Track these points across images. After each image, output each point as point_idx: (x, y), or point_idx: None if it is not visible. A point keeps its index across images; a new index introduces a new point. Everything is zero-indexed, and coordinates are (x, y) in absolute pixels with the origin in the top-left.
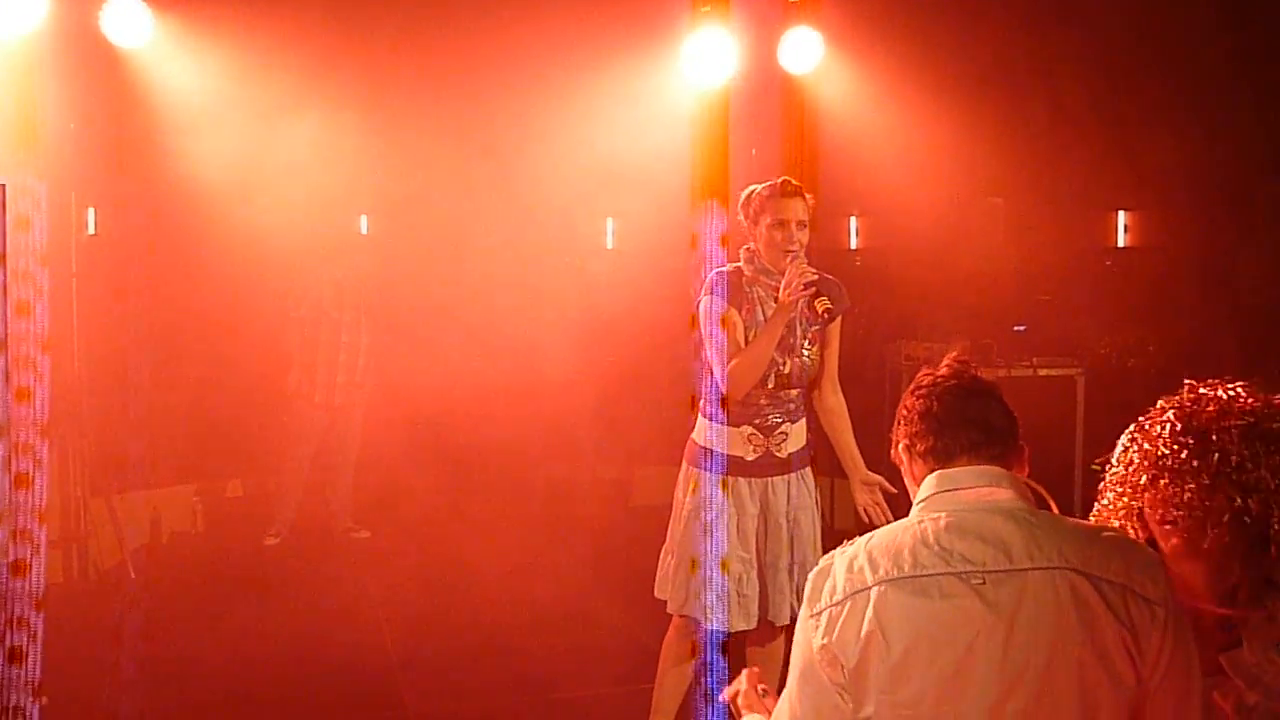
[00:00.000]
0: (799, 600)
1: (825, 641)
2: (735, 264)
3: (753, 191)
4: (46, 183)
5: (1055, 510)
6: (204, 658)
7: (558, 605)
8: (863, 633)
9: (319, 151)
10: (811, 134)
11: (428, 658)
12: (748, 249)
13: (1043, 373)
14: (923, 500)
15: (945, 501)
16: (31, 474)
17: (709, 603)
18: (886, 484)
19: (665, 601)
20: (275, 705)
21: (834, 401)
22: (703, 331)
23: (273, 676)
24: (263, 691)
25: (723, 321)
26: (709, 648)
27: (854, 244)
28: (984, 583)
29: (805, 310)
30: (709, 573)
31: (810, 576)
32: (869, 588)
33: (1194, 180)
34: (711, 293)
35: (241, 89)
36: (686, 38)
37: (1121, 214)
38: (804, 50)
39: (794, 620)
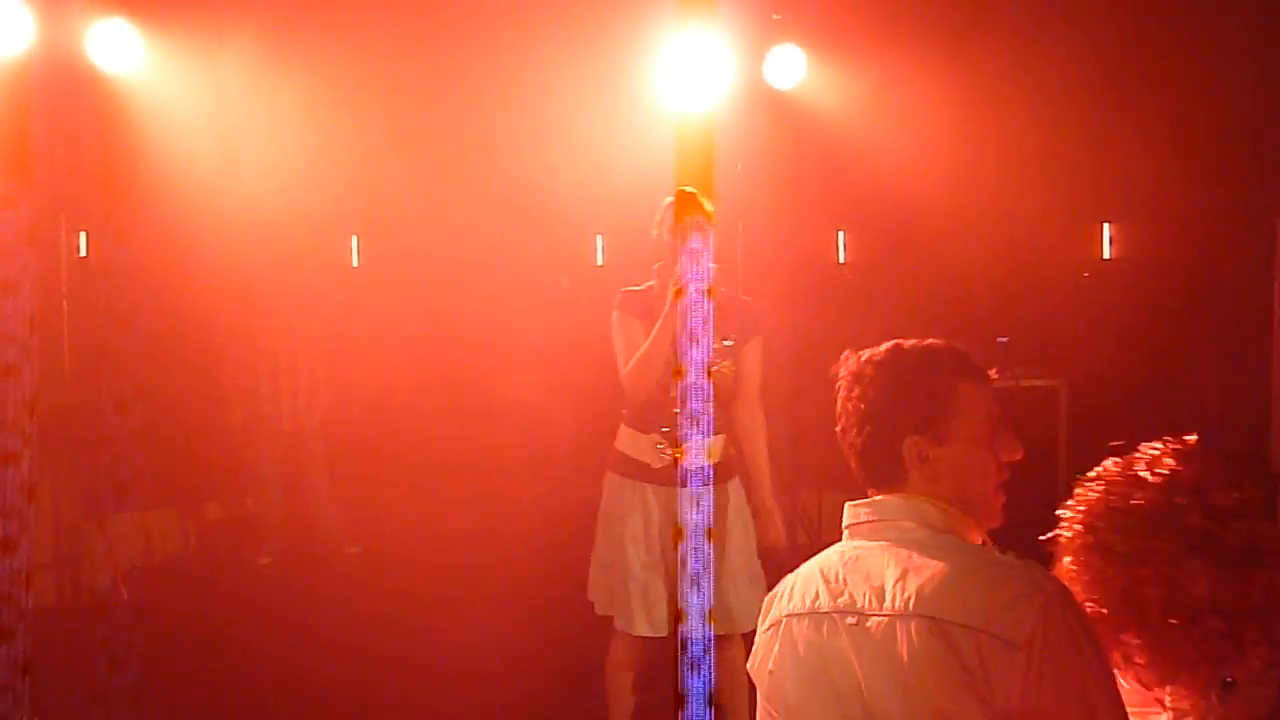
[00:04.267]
0: (717, 614)
1: (750, 665)
2: (648, 283)
3: (663, 203)
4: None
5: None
6: (202, 678)
7: (555, 615)
8: (770, 665)
9: (309, 171)
10: (797, 150)
11: (430, 671)
12: (658, 265)
13: (1025, 384)
14: (844, 527)
15: (854, 532)
16: (20, 451)
17: (618, 605)
18: (777, 522)
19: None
20: None
21: (746, 418)
22: (613, 344)
23: (274, 697)
24: (264, 712)
25: (623, 330)
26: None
27: (842, 258)
28: (856, 624)
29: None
30: (616, 574)
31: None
32: (781, 619)
33: (1180, 193)
34: (617, 308)
35: (231, 109)
36: (669, 56)
37: (1107, 226)
38: (788, 66)
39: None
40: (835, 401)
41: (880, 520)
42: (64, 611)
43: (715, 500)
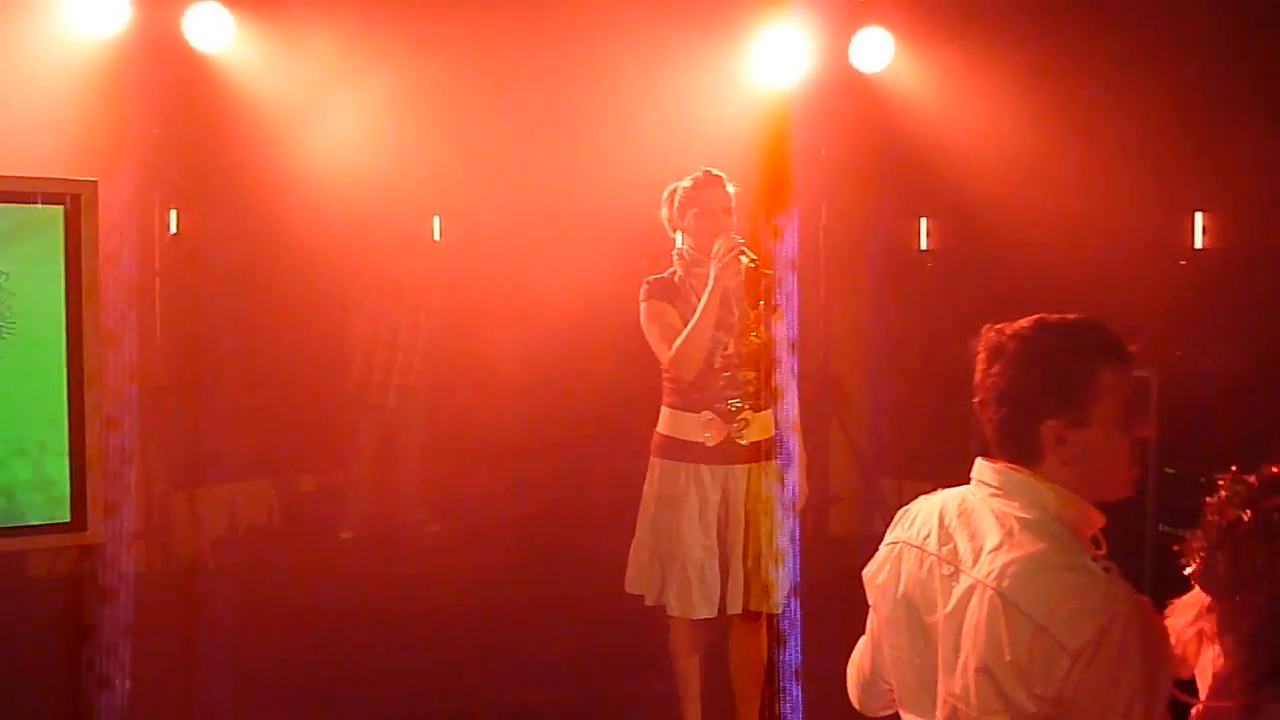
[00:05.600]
0: (755, 591)
1: (865, 571)
2: (670, 270)
3: (676, 188)
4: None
5: None
6: (279, 649)
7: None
8: (880, 578)
9: (395, 151)
10: (882, 135)
11: (500, 647)
12: (676, 251)
13: None
14: (972, 477)
15: (979, 487)
16: (121, 416)
17: (676, 592)
18: (804, 495)
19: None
20: (352, 697)
21: (779, 387)
22: (646, 333)
23: (347, 667)
24: (337, 682)
25: (658, 316)
26: (784, 676)
27: (924, 245)
28: (950, 575)
29: (747, 281)
30: (674, 562)
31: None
32: (897, 542)
33: (1274, 181)
34: (646, 298)
35: (320, 90)
36: (757, 40)
37: (1199, 215)
38: (875, 50)
39: (747, 610)
40: (974, 372)
41: (1005, 491)
42: (152, 578)
43: (766, 476)
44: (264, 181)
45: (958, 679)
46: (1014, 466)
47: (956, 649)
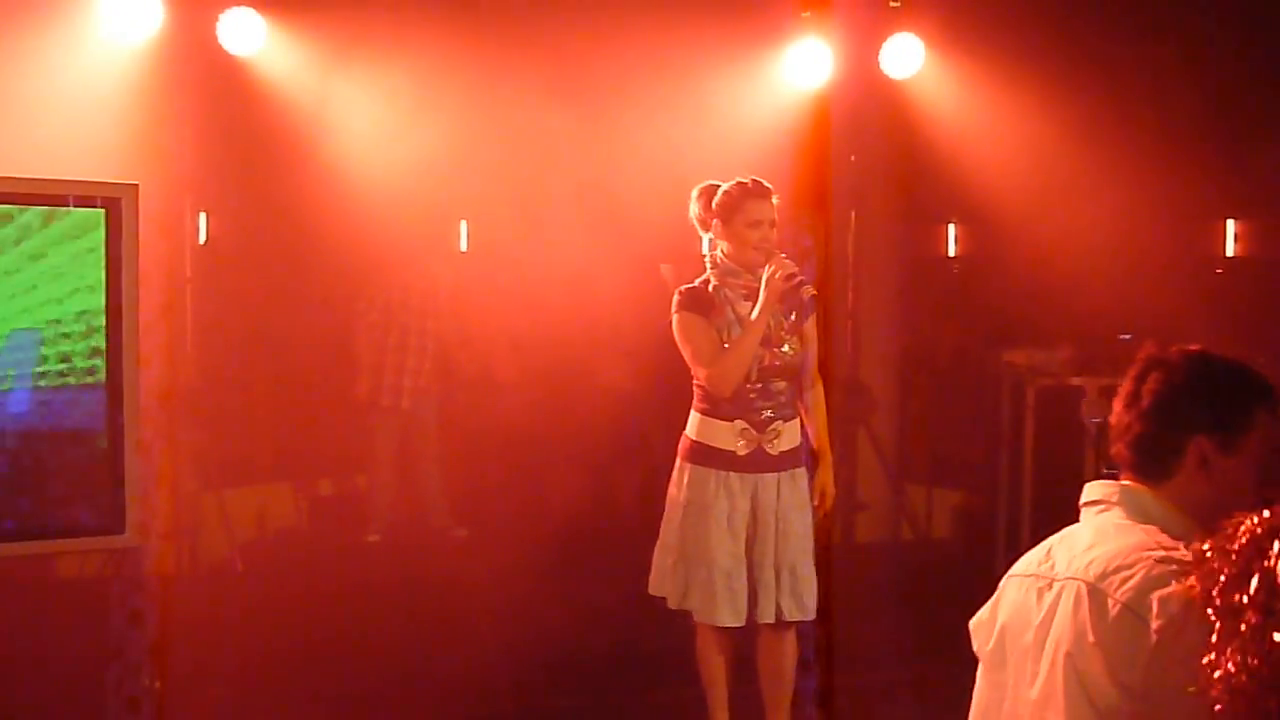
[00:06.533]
0: (786, 600)
1: (970, 624)
2: (703, 277)
3: (715, 188)
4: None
5: None
6: (308, 651)
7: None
8: (982, 616)
9: (425, 156)
10: (911, 141)
11: (526, 653)
12: (711, 257)
13: None
14: (1081, 504)
15: (1087, 510)
16: (151, 440)
17: (701, 597)
18: (828, 504)
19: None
20: (376, 699)
21: (811, 397)
22: (680, 345)
23: (374, 671)
24: (364, 685)
25: (693, 332)
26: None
27: (953, 251)
28: (1046, 586)
29: (789, 300)
30: (700, 567)
31: None
32: (1005, 579)
33: None
34: (680, 310)
35: (351, 95)
36: (787, 45)
37: (1231, 223)
38: (905, 56)
39: (780, 619)
40: (1125, 381)
41: (1111, 503)
42: (182, 581)
43: (795, 485)
44: (295, 186)
45: (1041, 686)
46: (1128, 483)
47: (1041, 647)
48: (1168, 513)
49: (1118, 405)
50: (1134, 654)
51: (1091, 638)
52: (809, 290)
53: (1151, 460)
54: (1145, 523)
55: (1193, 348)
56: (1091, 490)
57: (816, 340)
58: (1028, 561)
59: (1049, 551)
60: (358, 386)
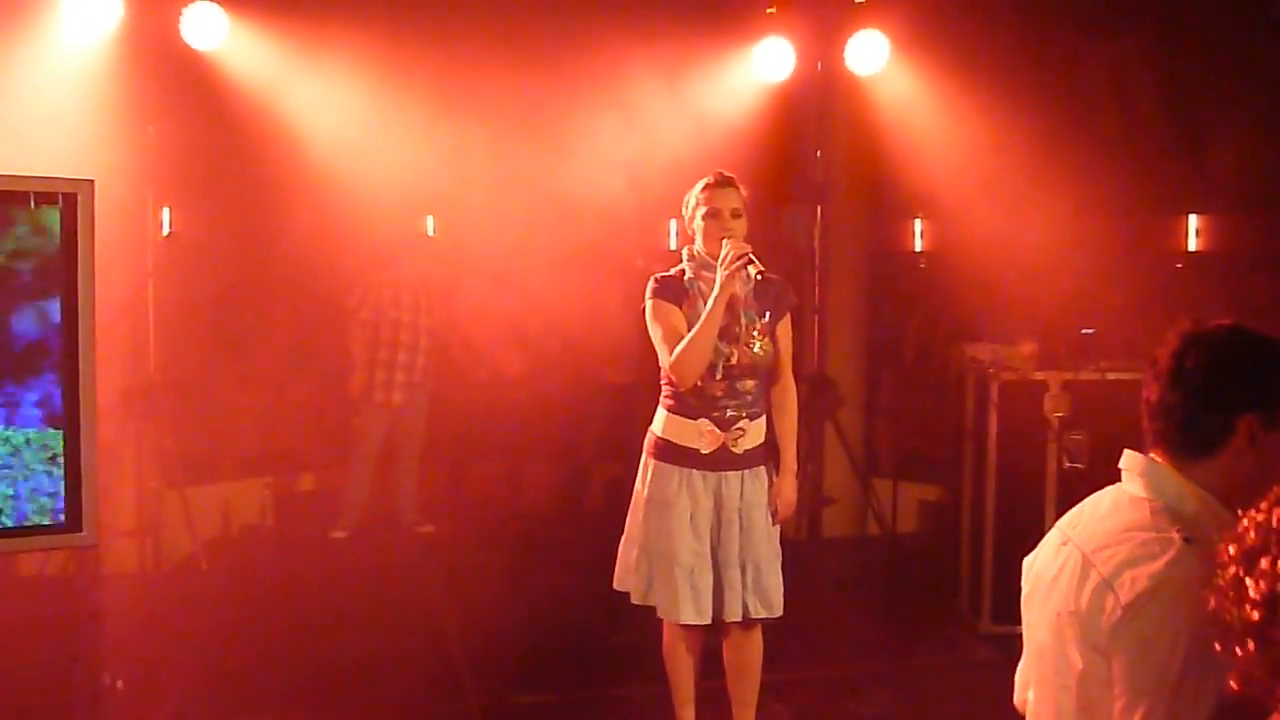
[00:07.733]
0: (752, 598)
1: (1026, 560)
2: (678, 266)
3: (691, 190)
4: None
5: None
6: (271, 649)
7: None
8: (1031, 558)
9: (388, 151)
10: (877, 136)
11: (491, 650)
12: (688, 249)
13: (1110, 376)
14: (1120, 467)
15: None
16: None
17: (664, 594)
18: (791, 502)
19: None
20: (340, 697)
21: (780, 397)
22: (650, 331)
23: (338, 668)
24: (328, 683)
25: (662, 316)
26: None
27: (918, 246)
28: (1064, 543)
29: (763, 299)
30: (663, 563)
31: None
32: (1057, 525)
33: (1266, 183)
34: (653, 296)
35: (314, 89)
36: (753, 42)
37: (1192, 217)
38: (870, 53)
39: (747, 617)
40: (1155, 362)
41: (1134, 474)
42: (144, 579)
43: (759, 483)
44: (258, 180)
45: (1044, 636)
46: (1154, 458)
47: (1043, 602)
48: (1181, 489)
49: (1154, 383)
50: (1101, 623)
51: (1073, 605)
52: (756, 266)
53: (1196, 438)
54: (1158, 499)
55: (1224, 326)
56: (1124, 460)
57: (790, 341)
58: (1069, 515)
59: (1082, 509)
60: (323, 381)
